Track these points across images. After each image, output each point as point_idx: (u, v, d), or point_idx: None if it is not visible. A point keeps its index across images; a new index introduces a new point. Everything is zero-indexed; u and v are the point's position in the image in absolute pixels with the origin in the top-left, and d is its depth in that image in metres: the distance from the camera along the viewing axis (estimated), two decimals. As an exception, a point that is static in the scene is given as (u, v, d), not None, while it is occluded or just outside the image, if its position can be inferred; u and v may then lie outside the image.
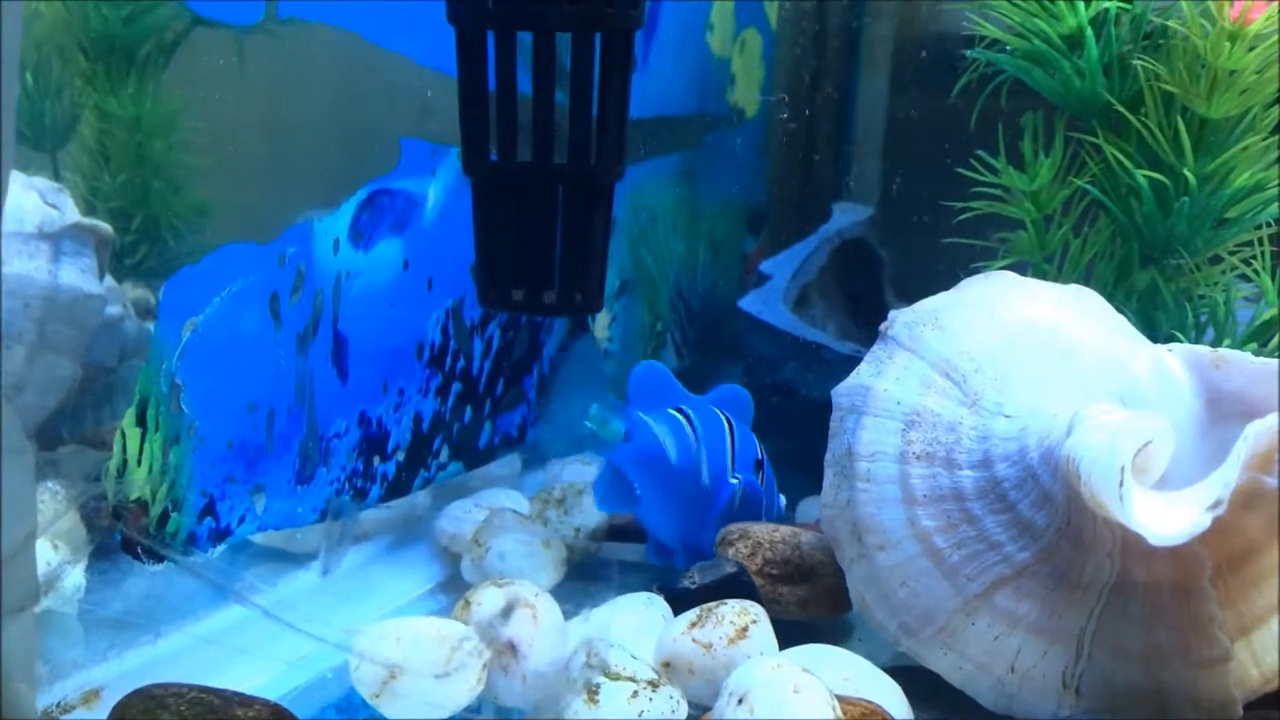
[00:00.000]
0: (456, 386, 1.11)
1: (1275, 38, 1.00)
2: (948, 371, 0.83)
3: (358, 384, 0.99)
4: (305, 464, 0.94)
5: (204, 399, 0.84)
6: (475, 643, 0.75)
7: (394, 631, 0.76)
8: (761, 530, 0.95)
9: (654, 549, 1.04)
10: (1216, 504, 0.65)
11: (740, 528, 0.96)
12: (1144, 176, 1.03)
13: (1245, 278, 1.05)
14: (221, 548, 0.88)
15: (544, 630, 0.79)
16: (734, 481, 1.01)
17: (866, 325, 1.48)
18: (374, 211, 0.98)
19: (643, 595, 0.89)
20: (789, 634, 0.83)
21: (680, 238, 1.44)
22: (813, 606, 0.92)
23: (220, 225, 1.10)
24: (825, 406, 0.89)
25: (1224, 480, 0.65)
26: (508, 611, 0.76)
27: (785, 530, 0.95)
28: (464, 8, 0.79)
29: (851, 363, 0.95)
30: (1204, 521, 0.64)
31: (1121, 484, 0.67)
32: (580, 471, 1.19)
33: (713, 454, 1.01)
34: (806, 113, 1.63)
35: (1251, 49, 1.00)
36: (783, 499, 1.08)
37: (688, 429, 1.01)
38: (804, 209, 1.62)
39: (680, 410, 1.03)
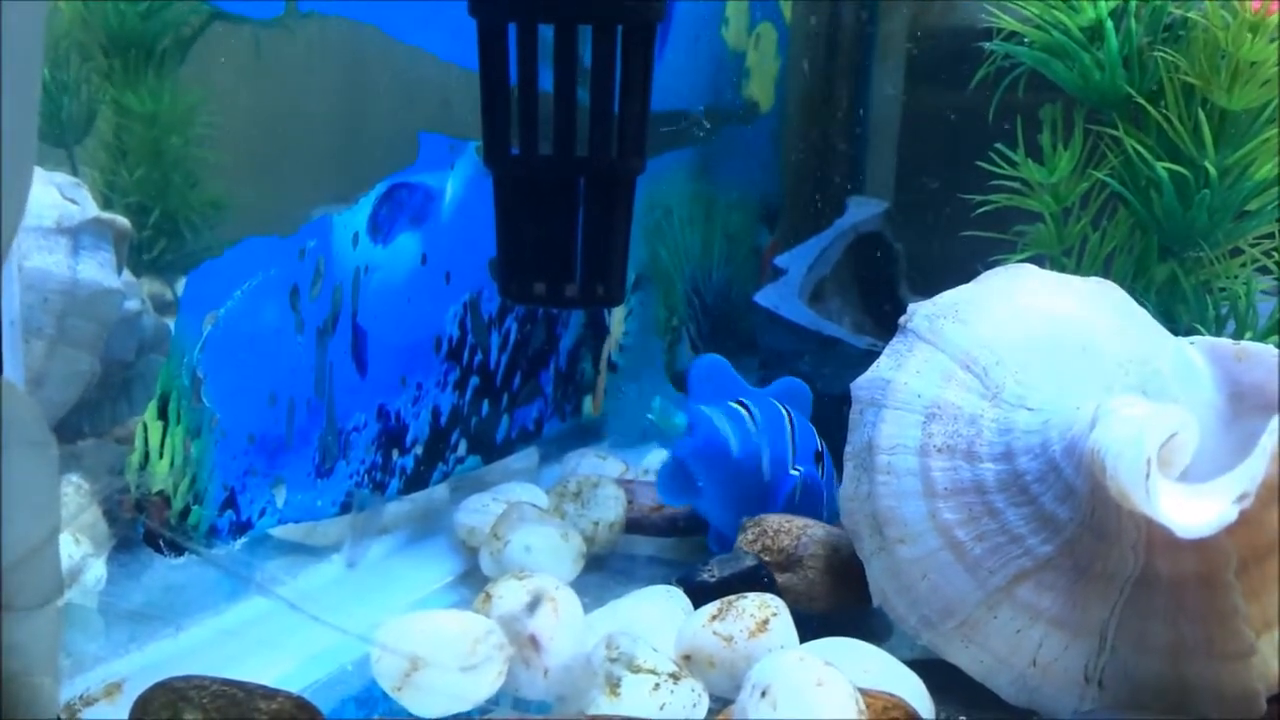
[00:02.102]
0: (474, 380, 1.11)
1: (1296, 29, 0.99)
2: (968, 364, 0.83)
3: (376, 377, 0.99)
4: (325, 457, 0.94)
5: (225, 392, 0.84)
6: (499, 637, 0.75)
7: (416, 625, 0.76)
8: (774, 520, 0.96)
9: (715, 539, 1.05)
10: (1243, 496, 0.64)
11: (758, 517, 0.97)
12: (1164, 169, 1.03)
13: (1266, 270, 1.05)
14: (242, 540, 0.88)
15: (565, 623, 0.79)
16: (794, 474, 1.02)
17: (882, 319, 1.48)
18: (393, 205, 0.98)
19: (662, 588, 0.90)
20: (808, 627, 0.83)
21: (695, 232, 1.44)
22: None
23: (237, 220, 1.10)
24: (841, 400, 0.89)
25: (1251, 473, 0.65)
26: (533, 606, 0.76)
27: (798, 522, 0.96)
28: (485, 1, 0.78)
29: (867, 357, 0.95)
30: (1231, 514, 0.64)
31: (1148, 476, 0.66)
32: (596, 465, 1.19)
33: (774, 447, 1.02)
34: (822, 106, 1.63)
35: (1273, 40, 1.00)
36: None
37: (749, 422, 1.02)
38: (819, 203, 1.61)
39: (741, 403, 1.04)
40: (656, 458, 1.20)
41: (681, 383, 1.07)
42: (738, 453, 1.00)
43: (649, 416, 0.99)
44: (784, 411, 1.05)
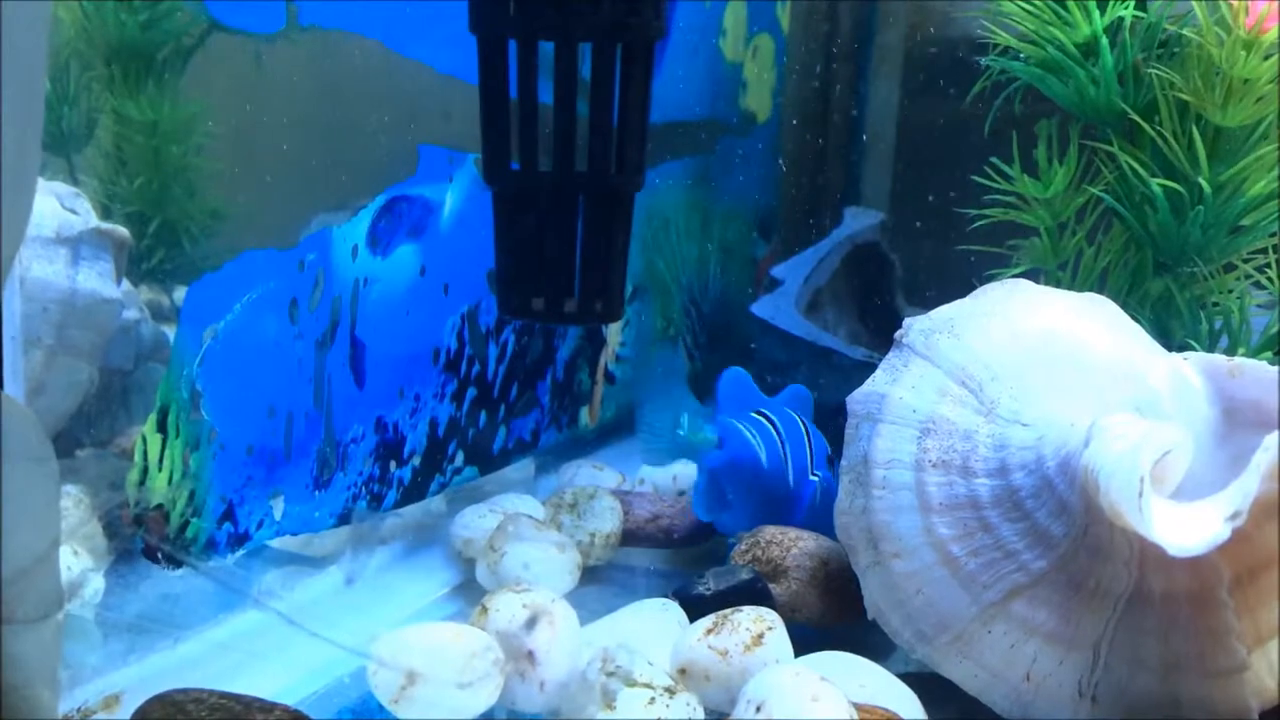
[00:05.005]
0: (472, 391, 1.11)
1: (1290, 47, 1.00)
2: (963, 379, 0.83)
3: (375, 389, 0.99)
4: (323, 469, 0.95)
5: (224, 405, 0.85)
6: (496, 652, 0.76)
7: (413, 638, 0.77)
8: (770, 531, 0.97)
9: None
10: (1236, 515, 0.65)
11: (756, 529, 0.98)
12: (1159, 185, 1.04)
13: (1259, 285, 1.05)
14: (240, 553, 0.88)
15: (561, 637, 0.79)
16: (814, 479, 1.04)
17: (877, 330, 1.48)
18: (392, 218, 0.99)
19: (658, 601, 0.90)
20: (805, 641, 0.83)
21: (692, 243, 1.44)
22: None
23: (236, 230, 1.11)
24: (836, 411, 0.89)
25: (1244, 491, 0.66)
26: (532, 622, 0.76)
27: (792, 534, 0.96)
28: (486, 17, 0.79)
29: (862, 368, 0.96)
30: (1224, 533, 0.64)
31: (1141, 495, 0.67)
32: (592, 476, 1.19)
33: (795, 454, 1.04)
34: (818, 117, 1.63)
35: (1267, 58, 1.00)
36: None
37: (773, 432, 1.04)
38: (816, 213, 1.62)
39: (763, 414, 1.06)
40: (658, 471, 1.21)
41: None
42: (767, 463, 1.02)
43: (679, 432, 1.01)
44: (799, 420, 1.07)
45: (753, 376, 1.33)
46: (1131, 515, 0.67)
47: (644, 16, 0.78)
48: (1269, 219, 1.04)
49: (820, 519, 0.99)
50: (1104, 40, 1.05)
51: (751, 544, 0.96)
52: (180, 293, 1.00)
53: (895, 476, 0.83)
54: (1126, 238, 1.09)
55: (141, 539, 0.82)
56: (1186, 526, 0.66)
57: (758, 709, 0.70)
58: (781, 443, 1.04)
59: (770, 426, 1.04)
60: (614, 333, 1.31)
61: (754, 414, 1.06)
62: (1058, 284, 1.09)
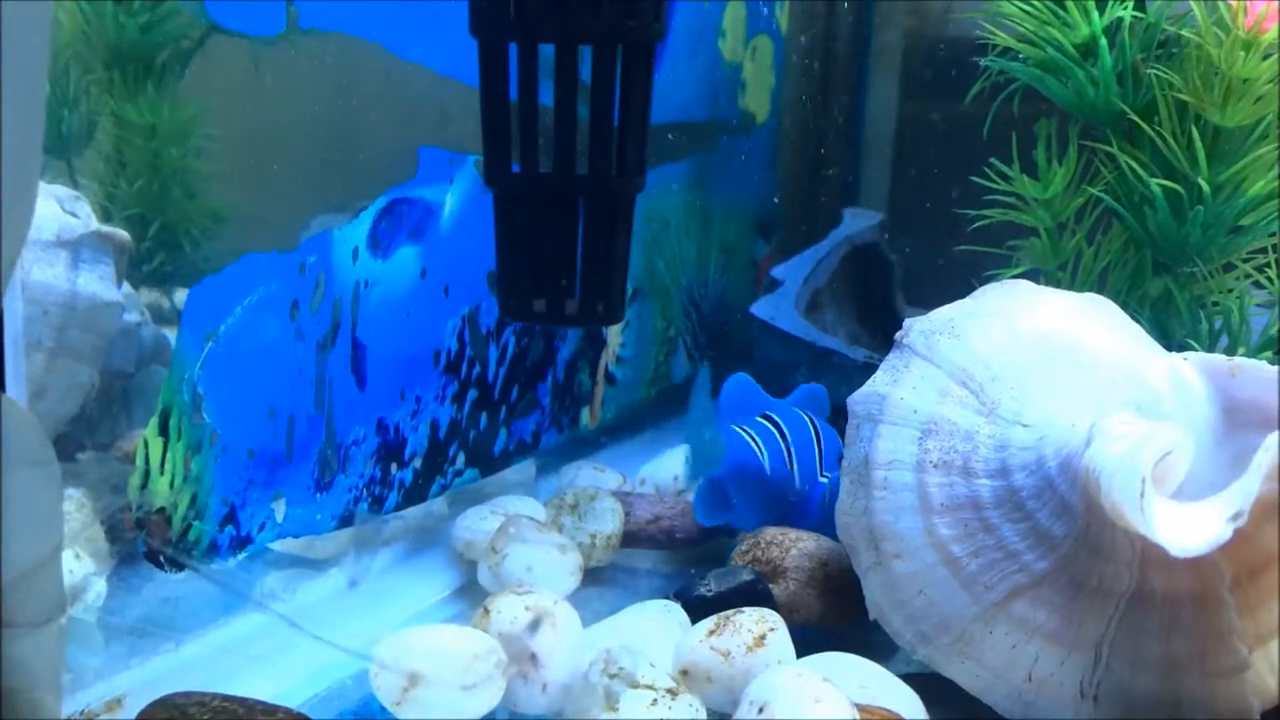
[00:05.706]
0: (472, 393, 1.11)
1: (1289, 46, 1.00)
2: (964, 380, 0.83)
3: (376, 391, 0.99)
4: (324, 471, 0.95)
5: (225, 407, 0.85)
6: (499, 654, 0.76)
7: (415, 640, 0.77)
8: (771, 532, 0.96)
9: None
10: (1237, 515, 0.65)
11: (758, 530, 0.98)
12: (1158, 185, 1.04)
13: (1259, 285, 1.06)
14: (242, 555, 0.88)
15: (563, 639, 0.79)
16: (824, 480, 1.04)
17: (877, 331, 1.49)
18: (392, 220, 0.99)
19: (660, 603, 0.90)
20: (809, 642, 0.83)
21: (692, 243, 1.44)
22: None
23: (236, 233, 1.11)
24: (837, 412, 0.89)
25: (1245, 491, 0.66)
26: (535, 625, 0.76)
27: (793, 534, 0.96)
28: (486, 20, 0.79)
29: (863, 369, 0.96)
30: (1225, 533, 0.64)
31: (1143, 495, 0.67)
32: (593, 477, 1.19)
33: (802, 456, 1.04)
34: (817, 118, 1.63)
35: (1266, 57, 1.00)
36: None
37: (778, 436, 1.04)
38: (815, 214, 1.62)
39: (769, 418, 1.05)
40: (660, 471, 1.21)
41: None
42: (770, 468, 1.02)
43: (702, 450, 1.01)
44: (808, 420, 1.07)
45: (752, 377, 1.33)
46: (1133, 516, 0.67)
47: (644, 18, 0.78)
48: (1268, 219, 1.04)
49: (830, 520, 0.99)
50: (1103, 41, 1.05)
51: (752, 544, 0.96)
52: (181, 295, 1.00)
53: (896, 477, 0.83)
54: (1126, 238, 1.09)
55: (144, 542, 0.82)
56: (1188, 527, 0.66)
57: (760, 710, 0.70)
58: (787, 446, 1.03)
59: (775, 430, 1.04)
60: (614, 334, 1.31)
61: (759, 418, 1.06)
62: (1057, 284, 1.09)
